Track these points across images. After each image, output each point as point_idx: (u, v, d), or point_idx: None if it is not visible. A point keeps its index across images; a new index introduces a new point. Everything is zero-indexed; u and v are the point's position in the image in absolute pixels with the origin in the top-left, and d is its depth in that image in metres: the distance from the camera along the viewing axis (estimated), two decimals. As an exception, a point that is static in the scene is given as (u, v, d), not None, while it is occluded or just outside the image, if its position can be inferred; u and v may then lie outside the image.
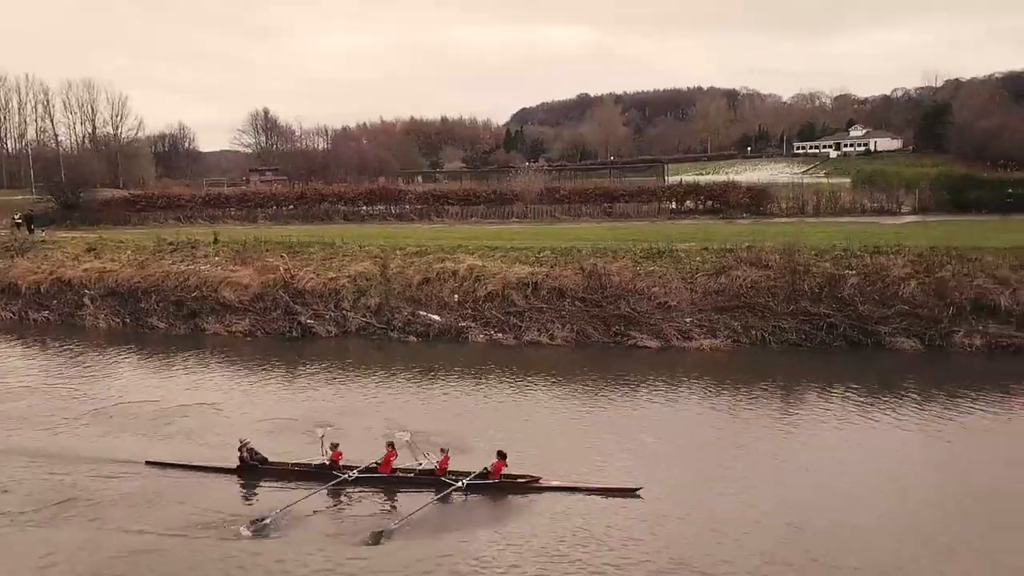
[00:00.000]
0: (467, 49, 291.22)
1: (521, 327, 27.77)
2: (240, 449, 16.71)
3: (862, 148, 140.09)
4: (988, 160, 70.69)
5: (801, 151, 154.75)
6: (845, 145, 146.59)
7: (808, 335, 25.98)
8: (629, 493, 15.17)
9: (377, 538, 13.63)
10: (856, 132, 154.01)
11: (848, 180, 69.37)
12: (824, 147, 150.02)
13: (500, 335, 27.76)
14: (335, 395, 22.58)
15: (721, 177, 74.71)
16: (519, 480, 15.58)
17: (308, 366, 25.63)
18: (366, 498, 15.77)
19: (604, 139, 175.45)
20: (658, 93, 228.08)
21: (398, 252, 32.97)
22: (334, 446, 16.46)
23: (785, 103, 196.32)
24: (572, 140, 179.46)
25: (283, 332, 29.62)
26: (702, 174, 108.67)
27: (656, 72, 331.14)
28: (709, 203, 47.84)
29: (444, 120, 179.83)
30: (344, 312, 29.95)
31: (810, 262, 27.86)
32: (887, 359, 24.64)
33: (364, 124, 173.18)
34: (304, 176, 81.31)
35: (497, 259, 31.13)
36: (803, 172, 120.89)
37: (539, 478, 15.55)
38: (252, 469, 16.68)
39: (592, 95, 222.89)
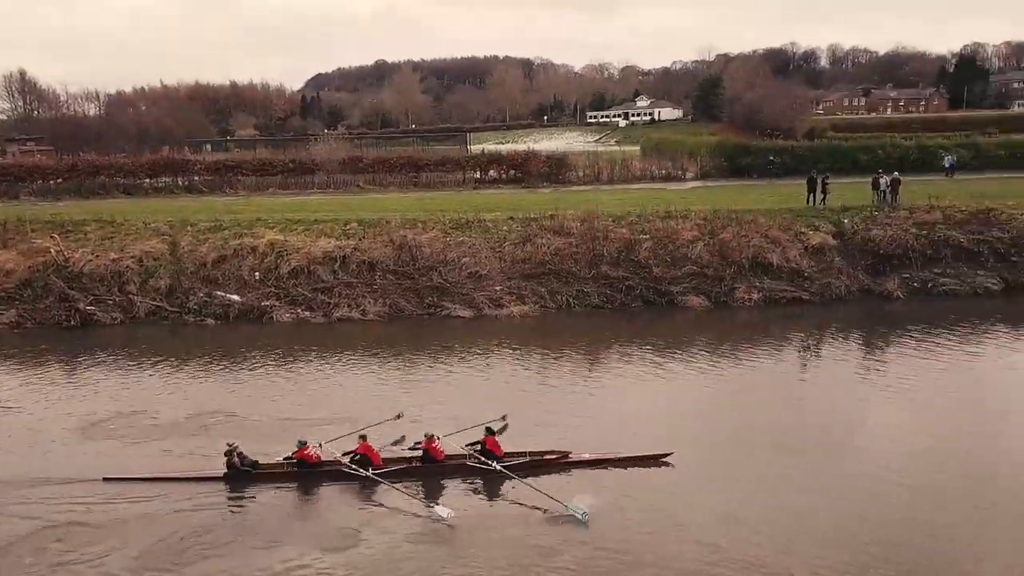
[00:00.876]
0: (257, 11, 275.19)
1: (330, 303, 26.92)
2: (229, 454, 14.97)
3: (648, 117, 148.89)
4: (757, 129, 77.49)
5: (594, 120, 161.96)
6: (633, 115, 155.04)
7: (609, 297, 27.40)
8: (659, 460, 15.33)
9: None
10: (642, 102, 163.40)
11: (638, 148, 73.23)
12: (614, 116, 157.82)
13: (308, 313, 26.73)
14: (134, 385, 20.84)
15: (521, 146, 76.26)
16: (549, 456, 15.37)
17: (94, 357, 23.26)
18: (403, 490, 14.65)
19: (404, 107, 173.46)
20: (456, 61, 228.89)
21: (189, 228, 30.66)
22: (301, 444, 15.22)
23: (577, 73, 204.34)
24: (372, 107, 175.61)
25: (59, 321, 26.62)
26: (502, 143, 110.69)
27: (453, 40, 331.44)
28: (512, 172, 48.71)
29: (233, 85, 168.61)
30: (130, 296, 27.43)
31: (608, 228, 29.28)
32: (679, 316, 26.59)
33: (142, 88, 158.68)
34: (74, 146, 72.98)
35: (300, 233, 29.86)
36: (596, 140, 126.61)
37: (568, 453, 15.42)
38: (243, 475, 14.98)
39: (390, 62, 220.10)
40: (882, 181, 32.91)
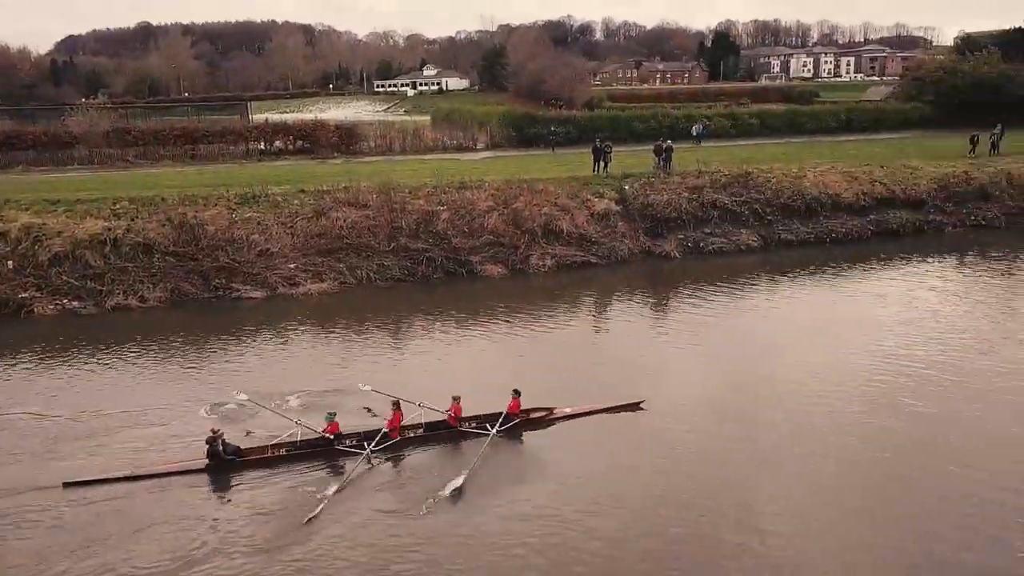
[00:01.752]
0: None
1: (102, 291, 24.39)
2: (212, 442, 13.87)
3: (436, 87, 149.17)
4: (540, 99, 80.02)
5: (381, 89, 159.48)
6: (421, 84, 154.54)
7: (410, 270, 27.24)
8: (635, 407, 16.48)
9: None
10: (429, 71, 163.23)
11: (428, 118, 73.28)
12: (402, 85, 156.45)
13: (76, 303, 24.04)
14: None
15: (307, 115, 73.69)
16: (535, 414, 15.96)
17: None
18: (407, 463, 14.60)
19: (175, 74, 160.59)
20: (230, 25, 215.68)
21: (-82, 213, 26.46)
22: (331, 416, 14.73)
23: (361, 41, 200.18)
24: (137, 74, 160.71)
25: None
26: (287, 112, 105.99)
27: (226, 2, 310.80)
28: (299, 143, 46.84)
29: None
30: None
31: (405, 200, 29.01)
32: (479, 285, 27.02)
33: None
34: None
35: (61, 214, 26.75)
36: (385, 110, 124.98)
37: (553, 408, 16.13)
38: (227, 465, 13.97)
39: (155, 24, 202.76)
40: (665, 146, 35.35)
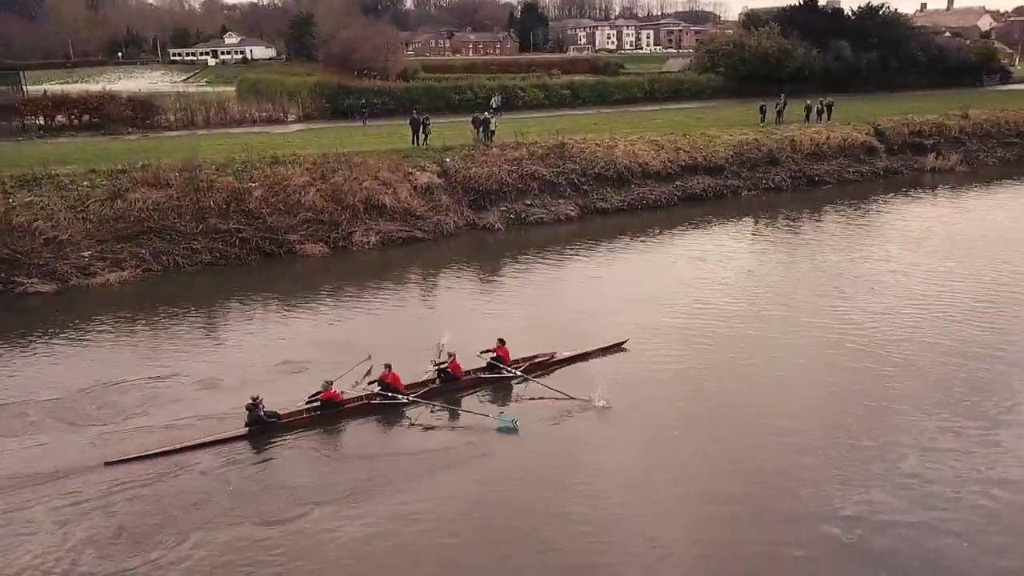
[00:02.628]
0: None
1: None
2: (252, 407, 14.32)
3: (239, 56, 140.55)
4: (353, 69, 77.49)
5: (178, 58, 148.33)
6: (222, 53, 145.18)
7: (222, 253, 25.57)
8: (619, 347, 18.26)
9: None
10: (231, 40, 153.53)
11: (233, 89, 69.13)
12: (202, 54, 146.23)
13: None
14: None
15: (94, 87, 66.69)
16: (540, 358, 17.43)
17: None
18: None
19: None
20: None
21: None
22: (327, 384, 15.10)
23: (152, 5, 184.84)
24: None
25: None
26: (69, 83, 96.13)
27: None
28: (86, 118, 42.49)
29: None
30: None
31: (212, 177, 27.15)
32: (300, 265, 25.92)
33: None
34: None
35: None
36: (184, 80, 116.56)
37: (554, 353, 17.67)
38: (268, 429, 14.43)
39: None
40: (482, 118, 35.38)
